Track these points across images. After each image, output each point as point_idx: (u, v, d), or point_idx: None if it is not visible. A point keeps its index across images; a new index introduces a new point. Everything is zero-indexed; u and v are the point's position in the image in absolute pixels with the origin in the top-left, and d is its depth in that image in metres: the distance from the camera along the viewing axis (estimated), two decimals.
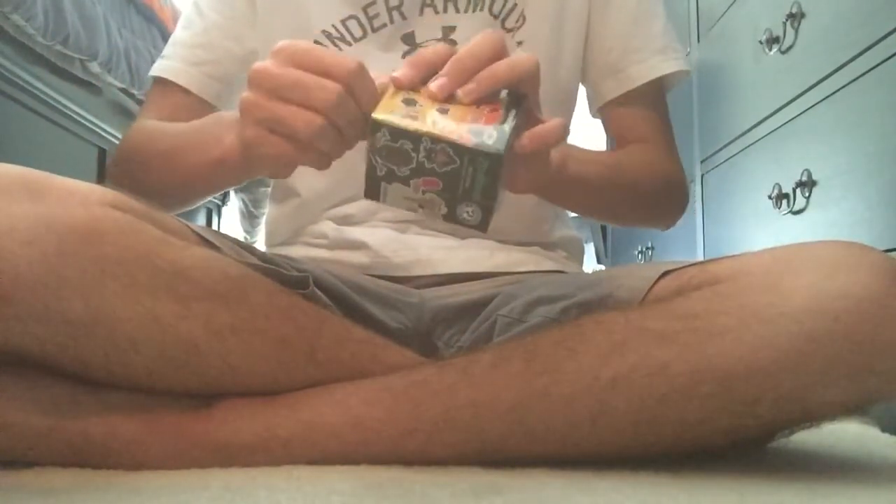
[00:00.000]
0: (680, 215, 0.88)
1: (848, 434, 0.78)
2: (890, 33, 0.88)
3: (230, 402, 0.57)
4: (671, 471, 0.54)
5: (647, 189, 0.82)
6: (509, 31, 0.79)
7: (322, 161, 0.55)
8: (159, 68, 0.85)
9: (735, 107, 1.40)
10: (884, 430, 0.84)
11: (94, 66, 1.49)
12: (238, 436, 0.56)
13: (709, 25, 1.57)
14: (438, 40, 0.78)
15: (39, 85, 1.35)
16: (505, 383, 0.54)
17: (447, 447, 0.55)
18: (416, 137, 0.50)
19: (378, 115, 0.51)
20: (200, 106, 0.84)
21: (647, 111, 0.86)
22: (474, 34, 0.77)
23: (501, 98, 0.55)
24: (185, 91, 0.84)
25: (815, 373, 0.50)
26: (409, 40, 0.79)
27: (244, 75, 0.83)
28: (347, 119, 0.53)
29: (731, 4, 1.44)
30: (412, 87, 0.53)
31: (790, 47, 1.15)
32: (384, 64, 0.76)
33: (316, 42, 0.78)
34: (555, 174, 0.67)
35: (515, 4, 0.79)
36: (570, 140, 0.71)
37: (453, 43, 0.77)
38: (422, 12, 0.78)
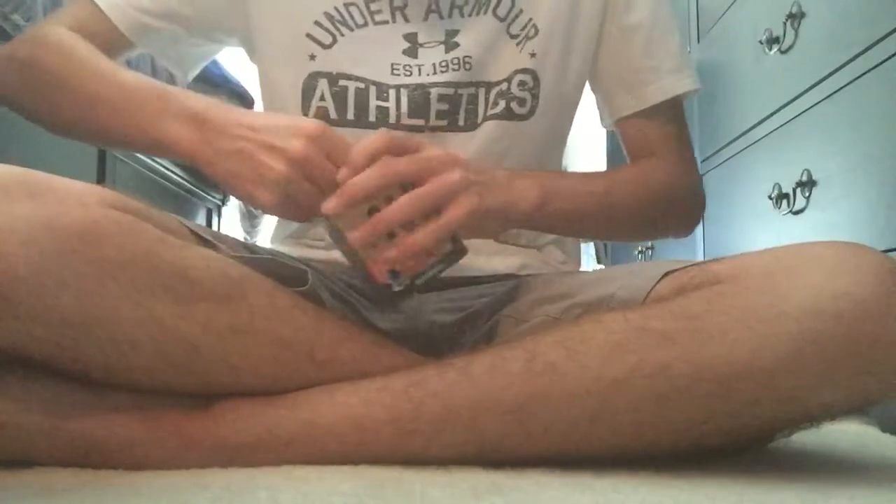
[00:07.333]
0: (696, 222, 0.88)
1: (848, 434, 0.78)
2: (890, 33, 0.88)
3: (230, 402, 0.57)
4: (671, 471, 0.54)
5: (644, 209, 0.81)
6: (514, 37, 0.79)
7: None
8: None
9: (735, 107, 1.40)
10: (884, 430, 0.84)
11: None
12: (238, 436, 0.56)
13: (709, 25, 1.57)
14: (440, 42, 0.78)
15: None
16: (505, 383, 0.54)
17: (447, 447, 0.55)
18: (353, 250, 0.65)
19: (333, 219, 0.63)
20: (120, 43, 0.78)
21: (662, 127, 0.86)
22: (478, 37, 0.78)
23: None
24: (112, 26, 0.77)
25: (815, 373, 0.50)
26: (412, 39, 0.78)
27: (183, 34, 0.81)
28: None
29: (731, 4, 1.44)
30: (347, 210, 0.63)
31: (790, 47, 1.15)
32: (384, 53, 0.77)
33: (316, 23, 0.78)
34: (529, 218, 0.71)
35: (522, 10, 0.79)
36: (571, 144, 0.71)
37: (456, 45, 0.77)
38: (426, 17, 0.78)
